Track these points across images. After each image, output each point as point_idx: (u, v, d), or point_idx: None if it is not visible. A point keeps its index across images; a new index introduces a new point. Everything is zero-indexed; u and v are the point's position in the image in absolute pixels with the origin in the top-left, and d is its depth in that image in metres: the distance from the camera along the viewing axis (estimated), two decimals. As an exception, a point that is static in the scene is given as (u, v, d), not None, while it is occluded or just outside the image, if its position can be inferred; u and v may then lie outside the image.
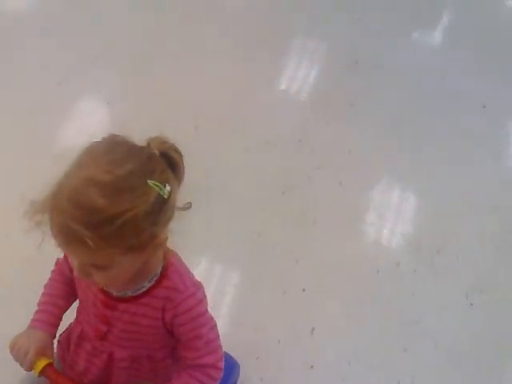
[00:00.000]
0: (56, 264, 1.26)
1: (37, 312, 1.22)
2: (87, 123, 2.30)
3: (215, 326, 1.16)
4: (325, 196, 2.14)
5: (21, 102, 2.30)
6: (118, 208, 0.92)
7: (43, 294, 1.24)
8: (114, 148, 0.99)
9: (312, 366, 1.68)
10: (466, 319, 1.85)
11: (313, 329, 1.75)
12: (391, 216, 2.14)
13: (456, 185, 2.24)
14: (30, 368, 1.14)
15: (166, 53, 2.61)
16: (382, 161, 2.30)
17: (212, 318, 1.16)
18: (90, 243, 0.91)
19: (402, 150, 2.34)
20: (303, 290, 1.84)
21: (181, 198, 1.04)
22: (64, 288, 1.23)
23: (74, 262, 1.02)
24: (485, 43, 2.88)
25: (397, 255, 2.00)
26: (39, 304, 1.23)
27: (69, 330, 1.28)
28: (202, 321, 1.12)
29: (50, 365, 1.14)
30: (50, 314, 1.21)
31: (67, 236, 0.94)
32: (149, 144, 1.03)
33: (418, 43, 2.94)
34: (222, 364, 1.16)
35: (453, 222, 2.12)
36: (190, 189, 1.06)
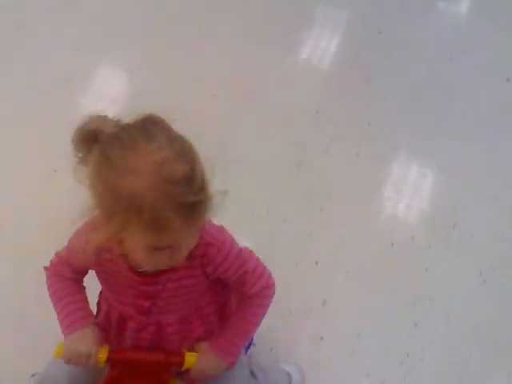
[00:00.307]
0: (48, 270, 1.25)
1: (66, 316, 1.19)
2: (106, 90, 2.33)
3: (251, 252, 1.21)
4: (341, 169, 2.13)
5: (40, 71, 2.33)
6: (200, 169, 0.96)
7: (59, 300, 1.21)
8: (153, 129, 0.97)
9: (322, 338, 1.69)
10: (479, 296, 1.84)
11: (324, 301, 1.76)
12: (408, 190, 2.12)
13: (474, 160, 2.21)
14: (97, 364, 1.17)
15: (180, 27, 2.59)
16: (400, 135, 2.27)
17: (245, 248, 1.20)
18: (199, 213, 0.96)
19: (420, 125, 2.31)
20: (316, 263, 1.85)
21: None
22: (72, 283, 1.23)
23: (141, 252, 1.01)
24: (510, 15, 2.80)
25: (412, 229, 1.99)
26: (61, 310, 1.20)
27: (103, 315, 1.27)
28: (241, 259, 1.17)
29: (110, 351, 1.17)
30: (80, 309, 1.21)
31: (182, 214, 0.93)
32: None
33: (443, 15, 2.87)
34: (272, 280, 1.23)
35: (469, 198, 2.09)
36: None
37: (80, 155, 1.00)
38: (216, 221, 1.12)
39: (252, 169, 2.07)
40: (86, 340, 1.16)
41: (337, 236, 1.93)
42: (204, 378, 1.24)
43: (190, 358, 1.19)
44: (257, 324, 1.25)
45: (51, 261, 1.25)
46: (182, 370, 1.20)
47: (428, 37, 2.67)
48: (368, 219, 2.00)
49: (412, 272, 1.87)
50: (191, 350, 1.21)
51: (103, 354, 1.16)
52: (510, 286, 1.86)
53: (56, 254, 1.25)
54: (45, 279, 1.25)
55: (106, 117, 0.99)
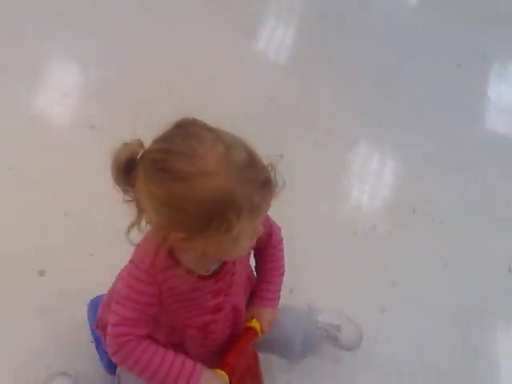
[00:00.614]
0: (118, 346, 1.11)
1: (183, 367, 1.13)
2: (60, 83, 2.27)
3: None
4: (300, 158, 2.13)
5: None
6: (251, 147, 0.99)
7: (162, 362, 1.12)
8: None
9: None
10: (441, 279, 1.87)
11: (291, 290, 1.75)
12: (368, 178, 2.15)
13: (432, 146, 2.24)
14: None
15: (135, 15, 2.55)
16: (358, 122, 2.29)
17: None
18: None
19: (378, 112, 2.34)
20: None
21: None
22: (153, 342, 1.14)
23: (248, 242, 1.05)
24: (466, 2, 2.86)
25: (374, 217, 2.01)
26: (171, 365, 1.12)
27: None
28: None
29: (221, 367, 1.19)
30: (184, 357, 1.15)
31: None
32: None
33: (397, 2, 2.92)
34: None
35: (428, 184, 2.13)
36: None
37: (124, 187, 1.00)
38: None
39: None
40: (214, 375, 1.15)
41: (299, 225, 1.92)
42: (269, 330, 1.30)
43: (257, 325, 1.27)
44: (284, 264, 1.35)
45: (114, 337, 1.11)
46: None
47: (384, 22, 2.71)
48: (330, 208, 2.01)
49: (375, 258, 1.89)
50: (247, 320, 1.28)
51: (224, 376, 1.17)
52: (470, 269, 1.90)
53: (114, 325, 1.12)
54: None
55: (125, 143, 0.99)
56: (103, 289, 1.35)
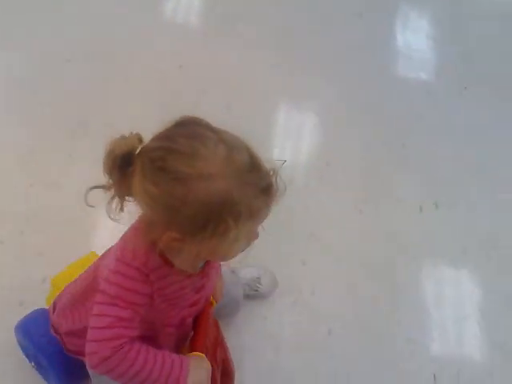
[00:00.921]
0: (114, 349, 1.01)
1: (174, 361, 1.07)
2: None
3: None
4: (213, 120, 2.11)
5: None
6: (254, 151, 0.99)
7: (155, 363, 1.05)
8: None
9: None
10: (358, 226, 1.93)
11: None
12: (279, 134, 2.16)
13: (341, 97, 2.29)
14: None
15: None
16: (269, 78, 2.30)
17: None
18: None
19: (285, 66, 2.35)
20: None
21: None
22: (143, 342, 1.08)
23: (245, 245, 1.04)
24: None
25: (289, 172, 2.02)
26: (163, 363, 1.06)
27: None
28: None
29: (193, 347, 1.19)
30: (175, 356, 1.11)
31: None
32: None
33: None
34: None
35: (339, 136, 2.18)
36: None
37: (113, 184, 0.97)
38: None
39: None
40: (197, 360, 1.13)
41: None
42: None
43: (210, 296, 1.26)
44: None
45: (106, 341, 1.01)
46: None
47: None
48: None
49: (293, 212, 1.90)
50: None
51: (203, 357, 1.16)
52: (384, 214, 1.97)
53: (104, 328, 1.02)
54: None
55: (123, 136, 0.96)
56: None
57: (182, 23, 2.52)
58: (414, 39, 2.64)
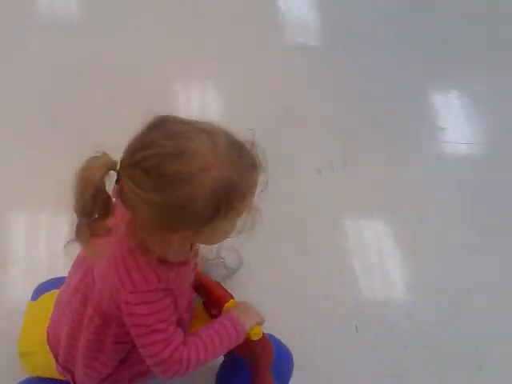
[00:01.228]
0: (185, 348, 1.10)
1: (228, 330, 1.15)
2: None
3: None
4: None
5: None
6: (228, 132, 1.00)
7: (214, 340, 1.14)
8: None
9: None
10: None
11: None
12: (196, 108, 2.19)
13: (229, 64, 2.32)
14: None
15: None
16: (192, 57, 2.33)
17: None
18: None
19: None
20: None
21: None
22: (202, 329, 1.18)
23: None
24: None
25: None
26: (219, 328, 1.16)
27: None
28: None
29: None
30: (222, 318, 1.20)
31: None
32: None
33: None
34: None
35: (243, 103, 2.20)
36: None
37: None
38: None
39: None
40: (240, 307, 1.22)
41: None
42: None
43: None
44: None
45: (169, 357, 1.08)
46: None
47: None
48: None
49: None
50: None
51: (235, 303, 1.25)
52: (286, 179, 1.94)
53: (164, 349, 1.08)
54: None
55: (96, 156, 0.94)
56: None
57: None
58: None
